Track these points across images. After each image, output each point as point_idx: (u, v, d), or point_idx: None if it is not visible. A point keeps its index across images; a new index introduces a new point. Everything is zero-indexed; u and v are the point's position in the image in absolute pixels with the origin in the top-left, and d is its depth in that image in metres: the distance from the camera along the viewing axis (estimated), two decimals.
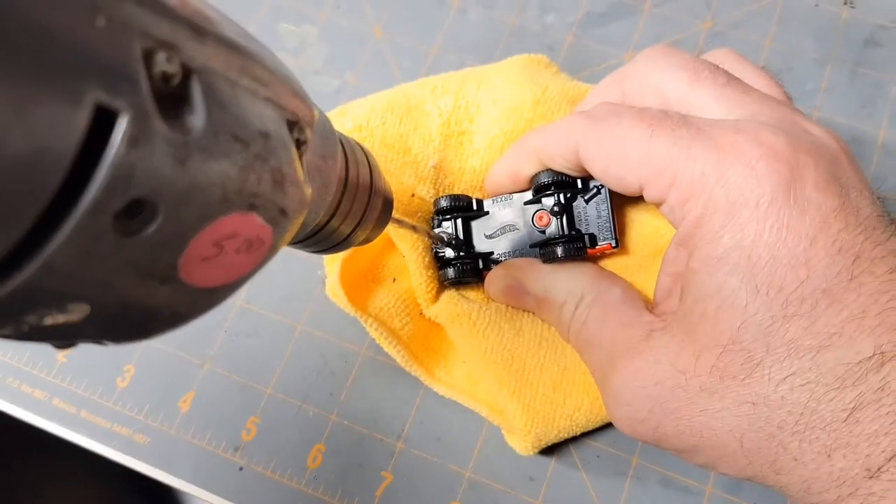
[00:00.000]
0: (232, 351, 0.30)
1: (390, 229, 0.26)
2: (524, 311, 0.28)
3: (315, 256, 0.31)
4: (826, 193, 0.20)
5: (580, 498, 0.27)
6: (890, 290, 0.19)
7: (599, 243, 0.26)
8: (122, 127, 0.10)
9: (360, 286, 0.28)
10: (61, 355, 0.30)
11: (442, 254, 0.28)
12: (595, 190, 0.26)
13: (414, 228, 0.26)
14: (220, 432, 0.29)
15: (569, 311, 0.25)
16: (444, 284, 0.28)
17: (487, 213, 0.28)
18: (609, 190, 0.26)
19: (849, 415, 0.18)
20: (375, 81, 0.34)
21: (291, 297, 0.30)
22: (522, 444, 0.26)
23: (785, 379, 0.19)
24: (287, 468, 0.28)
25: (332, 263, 0.28)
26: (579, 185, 0.26)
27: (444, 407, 0.29)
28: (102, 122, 0.10)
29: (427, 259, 0.27)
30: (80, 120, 0.09)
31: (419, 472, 0.28)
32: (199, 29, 0.11)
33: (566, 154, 0.24)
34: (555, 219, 0.26)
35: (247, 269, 0.14)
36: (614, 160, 0.23)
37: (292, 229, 0.14)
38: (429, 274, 0.27)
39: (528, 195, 0.27)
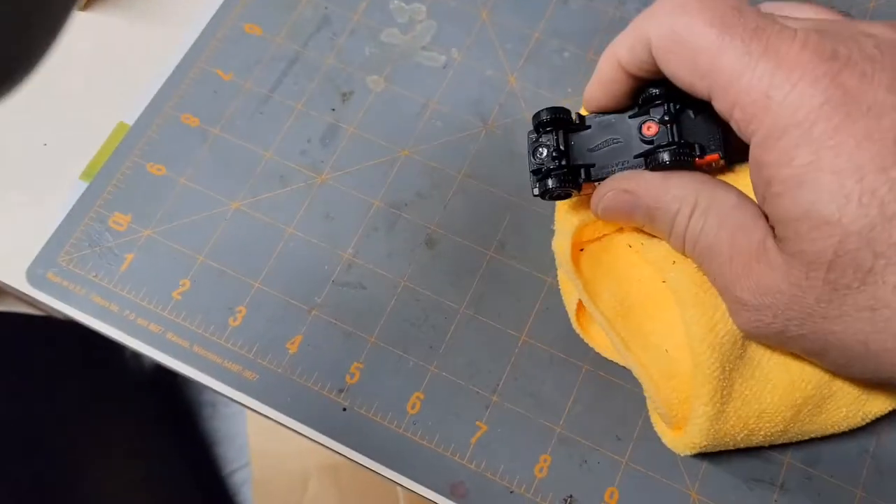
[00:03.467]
0: (339, 301, 0.32)
1: None
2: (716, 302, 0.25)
3: (418, 223, 0.32)
4: None
5: (664, 459, 0.29)
6: None
7: (708, 153, 0.25)
8: None
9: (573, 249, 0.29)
10: (176, 293, 0.32)
11: (539, 165, 0.26)
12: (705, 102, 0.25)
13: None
14: (326, 374, 0.31)
15: (683, 218, 0.24)
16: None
17: (589, 126, 0.27)
18: None
19: None
20: (480, 59, 0.35)
21: (396, 254, 0.32)
22: (684, 449, 0.27)
23: None
24: (388, 412, 0.30)
25: (564, 222, 0.29)
26: (689, 99, 0.25)
27: (538, 366, 0.30)
28: None
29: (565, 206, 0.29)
30: None
31: (512, 425, 0.30)
32: None
33: (644, 56, 0.24)
34: (663, 127, 0.25)
35: None
36: (683, 66, 0.22)
37: None
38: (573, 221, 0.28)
39: (632, 111, 0.26)
